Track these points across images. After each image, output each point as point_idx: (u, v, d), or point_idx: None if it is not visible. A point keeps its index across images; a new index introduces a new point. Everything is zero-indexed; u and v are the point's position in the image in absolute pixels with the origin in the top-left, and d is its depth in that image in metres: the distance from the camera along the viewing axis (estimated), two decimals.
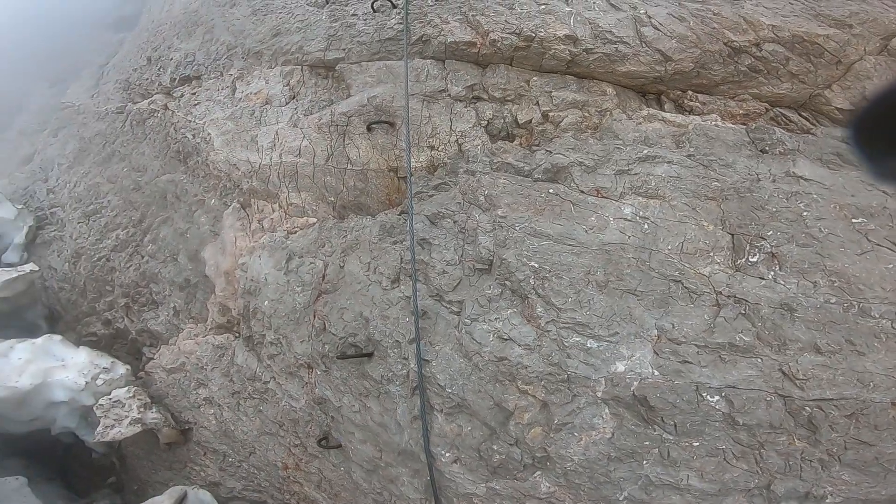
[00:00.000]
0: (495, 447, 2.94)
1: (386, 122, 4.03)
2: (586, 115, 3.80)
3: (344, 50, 4.48)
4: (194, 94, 5.57)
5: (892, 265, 2.91)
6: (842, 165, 3.38)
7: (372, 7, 4.52)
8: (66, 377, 4.62)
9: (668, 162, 3.41)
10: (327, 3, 5.06)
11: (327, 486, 3.88)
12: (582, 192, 3.37)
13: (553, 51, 3.85)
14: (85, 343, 5.31)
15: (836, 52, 3.96)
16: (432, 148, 3.89)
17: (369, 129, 4.06)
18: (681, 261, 2.98)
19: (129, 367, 4.95)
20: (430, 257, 3.41)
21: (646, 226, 3.14)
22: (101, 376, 4.68)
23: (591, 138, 3.62)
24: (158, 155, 5.75)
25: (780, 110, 4.06)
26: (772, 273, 2.92)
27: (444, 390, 3.07)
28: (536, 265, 3.09)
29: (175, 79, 6.01)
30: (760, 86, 3.96)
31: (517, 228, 3.22)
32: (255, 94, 4.87)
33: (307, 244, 4.01)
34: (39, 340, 4.87)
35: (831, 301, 2.80)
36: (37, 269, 5.93)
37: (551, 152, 3.56)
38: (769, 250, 2.99)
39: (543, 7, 4.10)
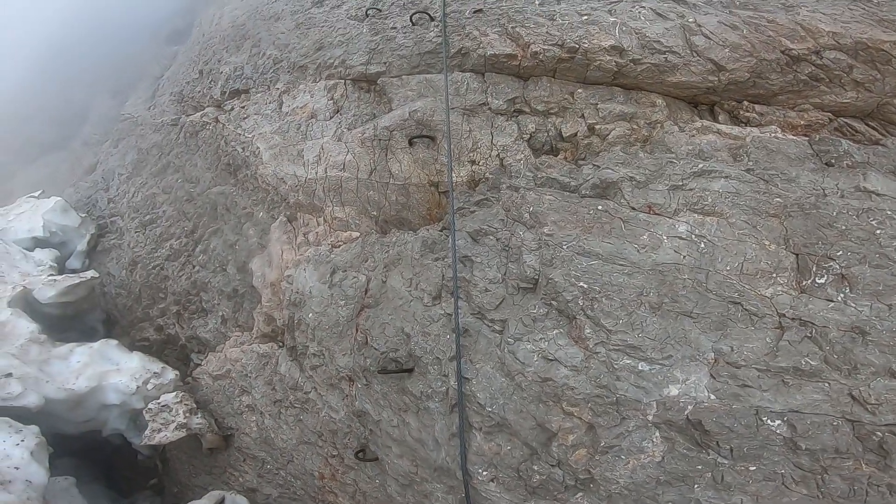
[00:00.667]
0: (536, 467, 2.89)
1: (427, 137, 4.06)
2: (635, 127, 3.71)
3: (385, 63, 4.56)
4: (244, 107, 5.79)
5: None
6: None
7: (411, 20, 4.57)
8: (119, 381, 4.83)
9: (726, 177, 3.28)
10: (367, 16, 5.17)
11: (361, 498, 3.90)
12: (633, 208, 3.28)
13: (598, 62, 3.79)
14: (138, 348, 5.55)
15: None
16: (473, 162, 3.89)
17: (411, 143, 4.11)
18: (740, 282, 2.86)
19: (177, 372, 5.15)
20: (472, 275, 3.40)
21: (702, 245, 3.03)
22: (151, 381, 4.88)
23: (641, 151, 3.54)
24: (210, 167, 6.00)
25: (845, 120, 3.83)
26: (841, 295, 2.75)
27: (483, 409, 3.04)
28: (585, 285, 3.03)
29: (225, 92, 6.28)
30: (822, 95, 3.76)
31: (564, 247, 3.16)
32: (301, 108, 5.01)
33: (351, 258, 4.07)
34: (96, 345, 5.12)
35: None
36: (97, 275, 6.23)
37: (599, 167, 3.49)
38: (838, 271, 2.82)
39: (586, 18, 4.04)
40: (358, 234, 4.21)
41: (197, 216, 5.90)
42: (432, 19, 4.58)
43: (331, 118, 4.77)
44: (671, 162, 3.40)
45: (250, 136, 5.31)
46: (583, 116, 3.80)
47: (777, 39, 3.77)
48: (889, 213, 2.95)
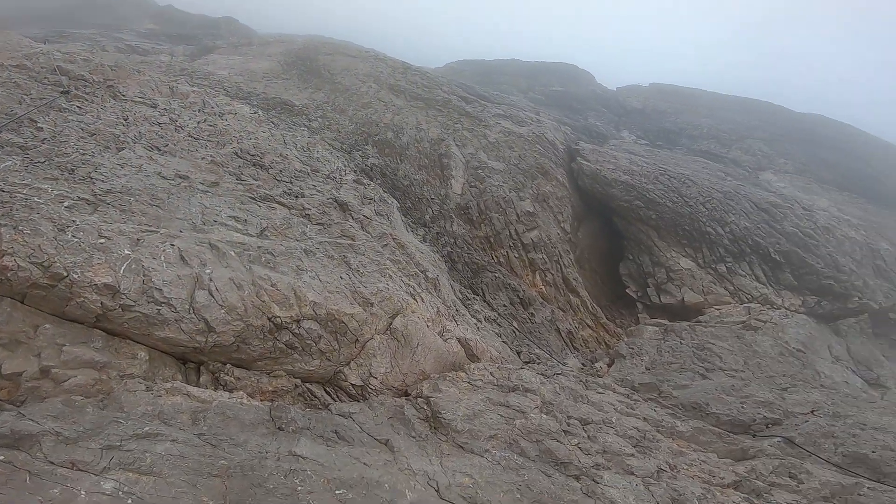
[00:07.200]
0: None
1: None
2: (104, 377, 3.77)
3: None
4: None
5: None
6: (337, 442, 4.23)
7: None
8: None
9: (172, 440, 3.59)
10: None
11: None
12: (51, 462, 3.13)
13: (82, 299, 3.88)
14: None
15: (355, 332, 5.32)
16: None
17: None
18: None
19: None
20: None
21: (130, 501, 3.05)
22: None
23: (90, 406, 3.55)
24: None
25: (309, 385, 5.03)
26: None
27: None
28: None
29: None
30: (295, 362, 4.88)
31: None
32: None
33: None
34: None
35: None
36: None
37: (24, 416, 3.27)
38: None
39: (103, 241, 4.24)
40: None
41: None
42: None
43: None
44: (117, 422, 3.52)
45: None
46: (39, 356, 3.63)
47: (269, 305, 4.81)
48: (309, 472, 3.77)
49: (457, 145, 13.04)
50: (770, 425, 6.18)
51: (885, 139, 30.75)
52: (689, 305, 11.41)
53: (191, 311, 4.31)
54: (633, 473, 4.50)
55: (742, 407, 6.56)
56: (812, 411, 6.39)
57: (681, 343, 8.98)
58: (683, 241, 12.25)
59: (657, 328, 9.81)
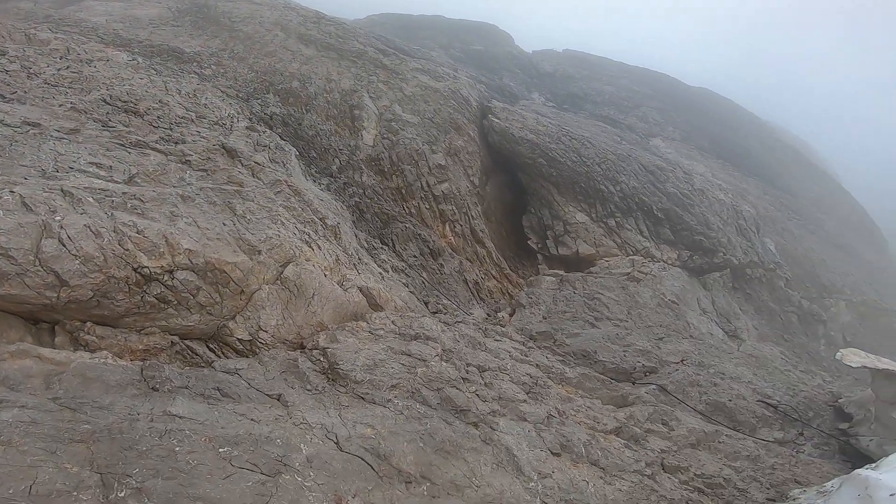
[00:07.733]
0: None
1: None
2: None
3: None
4: None
5: (251, 483, 3.35)
6: (220, 399, 3.89)
7: None
8: None
9: (21, 406, 3.10)
10: None
11: None
12: None
13: None
14: None
15: (240, 282, 4.83)
16: None
17: None
18: (29, 500, 2.61)
19: None
20: None
21: None
22: None
23: None
24: None
25: (188, 343, 4.52)
26: None
27: None
28: None
29: None
30: (169, 318, 4.34)
31: None
32: None
33: None
34: None
35: None
36: None
37: None
38: (135, 486, 3.00)
39: None
40: None
41: None
42: None
43: None
44: None
45: None
46: None
47: (135, 254, 4.19)
48: (188, 432, 3.45)
49: (371, 97, 12.43)
50: (647, 373, 6.78)
51: (762, 118, 34.06)
52: (583, 257, 12.12)
53: (37, 263, 3.63)
54: (525, 420, 4.69)
55: (624, 355, 7.13)
56: (682, 360, 7.10)
57: (574, 293, 9.51)
58: (580, 197, 12.85)
59: (554, 278, 10.31)
